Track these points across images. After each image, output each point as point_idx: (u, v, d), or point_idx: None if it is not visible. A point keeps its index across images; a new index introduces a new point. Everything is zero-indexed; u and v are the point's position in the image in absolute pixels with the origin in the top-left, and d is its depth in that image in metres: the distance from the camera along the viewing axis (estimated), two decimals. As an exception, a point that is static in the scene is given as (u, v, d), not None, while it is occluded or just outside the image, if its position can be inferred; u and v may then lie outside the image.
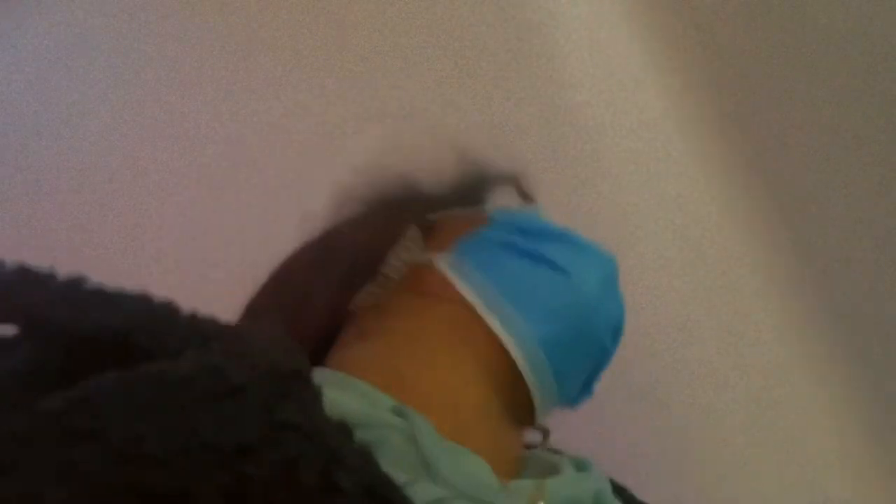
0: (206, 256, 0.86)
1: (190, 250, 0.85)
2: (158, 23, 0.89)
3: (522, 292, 0.45)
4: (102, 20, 0.86)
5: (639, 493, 0.53)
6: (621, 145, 0.97)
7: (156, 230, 0.88)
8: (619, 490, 0.49)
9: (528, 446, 0.50)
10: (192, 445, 0.26)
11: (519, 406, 0.45)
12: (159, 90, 0.89)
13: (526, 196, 0.55)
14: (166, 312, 0.32)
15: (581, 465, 0.45)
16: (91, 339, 0.30)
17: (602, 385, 0.52)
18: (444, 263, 0.46)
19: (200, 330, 0.31)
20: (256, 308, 0.49)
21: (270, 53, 0.93)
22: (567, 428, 0.50)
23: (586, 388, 0.50)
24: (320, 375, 0.41)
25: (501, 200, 0.54)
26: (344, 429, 0.30)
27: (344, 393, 0.39)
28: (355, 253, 0.48)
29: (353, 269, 0.47)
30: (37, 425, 0.25)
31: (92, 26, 0.86)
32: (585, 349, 0.47)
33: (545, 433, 0.49)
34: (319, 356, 0.47)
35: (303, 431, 0.28)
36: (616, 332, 0.49)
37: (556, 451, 0.49)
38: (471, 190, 0.53)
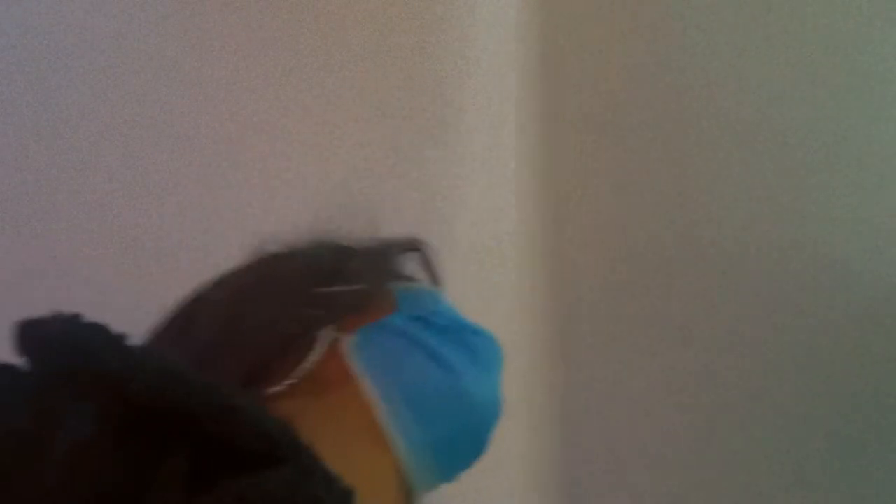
0: (206, 257, 0.86)
1: (190, 250, 0.85)
2: (159, 23, 0.89)
3: (417, 393, 0.46)
4: (103, 20, 0.86)
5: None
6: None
7: (156, 230, 0.88)
8: None
9: None
10: None
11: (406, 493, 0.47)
12: (159, 90, 0.89)
13: (430, 267, 0.56)
14: (231, 402, 0.34)
15: None
16: (154, 408, 0.31)
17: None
18: (350, 350, 0.47)
19: (264, 430, 0.33)
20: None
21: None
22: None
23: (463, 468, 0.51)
24: None
25: (407, 272, 0.55)
26: None
27: None
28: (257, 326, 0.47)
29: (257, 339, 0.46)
30: None
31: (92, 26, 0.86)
32: (472, 448, 0.50)
33: None
34: None
35: None
36: (497, 422, 0.51)
37: None
38: (377, 260, 0.54)
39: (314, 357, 0.45)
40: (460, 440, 0.48)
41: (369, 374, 0.46)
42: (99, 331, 0.34)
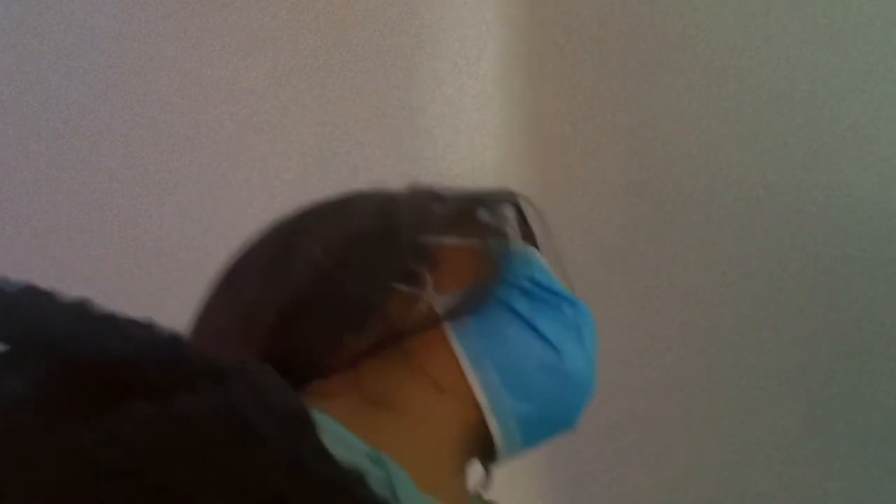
0: (206, 257, 0.86)
1: (190, 250, 0.85)
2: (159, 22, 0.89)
3: (513, 365, 0.44)
4: (103, 20, 0.86)
5: None
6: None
7: (156, 230, 0.88)
8: None
9: None
10: (225, 491, 0.26)
11: (480, 457, 0.47)
12: (159, 90, 0.89)
13: (525, 223, 0.53)
14: (175, 345, 0.33)
15: None
16: (97, 365, 0.30)
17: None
18: (446, 314, 0.44)
19: (209, 365, 0.31)
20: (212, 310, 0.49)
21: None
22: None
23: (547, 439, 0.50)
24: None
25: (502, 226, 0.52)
26: (361, 477, 0.31)
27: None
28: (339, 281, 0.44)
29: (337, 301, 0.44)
30: (68, 459, 0.26)
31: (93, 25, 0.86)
32: (559, 424, 0.48)
33: (489, 481, 0.51)
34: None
35: (325, 480, 0.28)
36: (590, 397, 0.49)
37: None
38: (465, 213, 0.50)
39: (413, 316, 0.43)
40: (550, 414, 0.46)
41: (464, 343, 0.44)
42: (29, 293, 0.33)
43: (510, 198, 0.52)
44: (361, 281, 0.43)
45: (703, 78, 1.08)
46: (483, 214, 0.50)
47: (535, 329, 0.45)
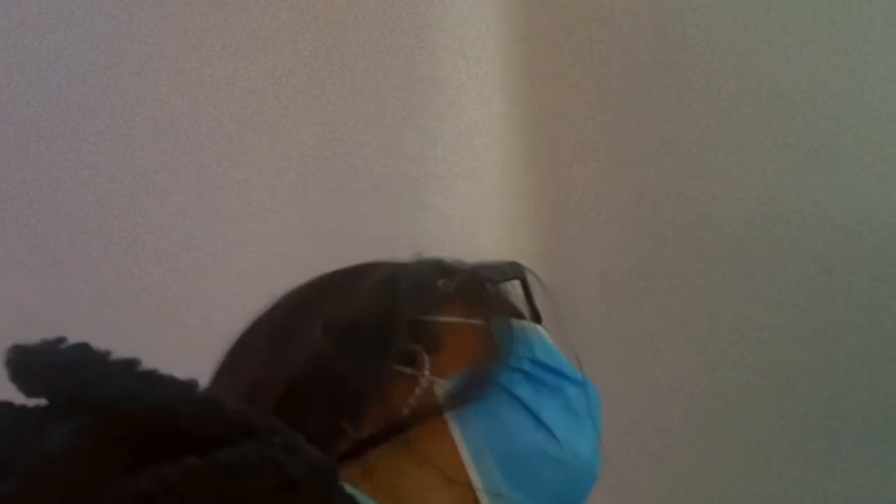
0: (206, 257, 0.86)
1: (190, 250, 0.85)
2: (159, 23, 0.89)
3: (512, 454, 0.43)
4: (102, 19, 0.86)
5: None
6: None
7: (156, 230, 0.88)
8: None
9: None
10: None
11: None
12: (159, 89, 0.89)
13: (530, 299, 0.51)
14: (211, 402, 0.34)
15: None
16: (136, 418, 0.32)
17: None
18: (445, 401, 0.43)
19: (243, 420, 0.33)
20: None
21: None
22: None
23: None
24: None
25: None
26: None
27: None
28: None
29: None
30: None
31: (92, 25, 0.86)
32: None
33: None
34: None
35: None
36: (594, 481, 0.48)
37: None
38: (470, 290, 0.49)
39: (413, 402, 0.43)
40: (552, 501, 0.45)
41: (462, 430, 0.43)
42: (83, 353, 0.35)
43: (517, 273, 0.51)
44: (358, 363, 0.43)
45: (704, 78, 1.08)
46: (488, 291, 0.49)
47: (536, 417, 0.44)
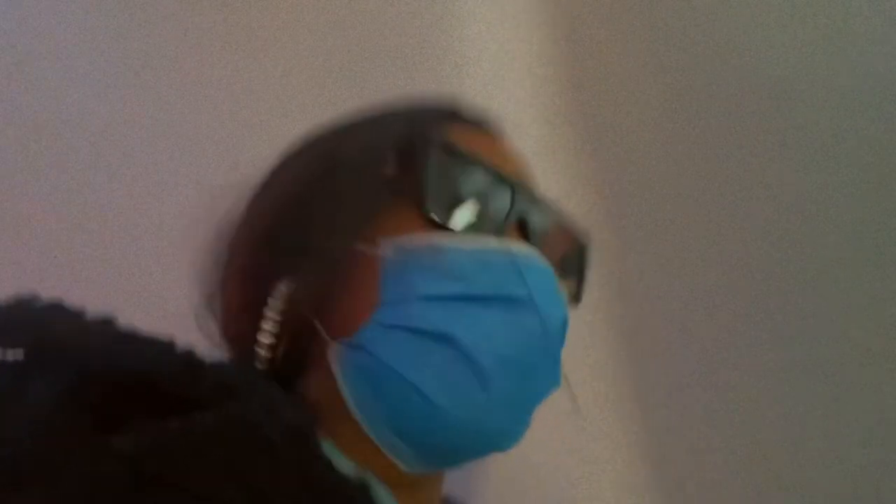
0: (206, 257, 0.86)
1: (190, 251, 0.85)
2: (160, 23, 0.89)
3: (397, 419, 0.40)
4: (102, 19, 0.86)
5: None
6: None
7: (155, 230, 0.88)
8: None
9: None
10: (256, 496, 0.28)
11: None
12: (159, 89, 0.89)
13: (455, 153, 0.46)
14: (190, 362, 0.35)
15: None
16: (114, 379, 0.32)
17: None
18: (334, 359, 0.41)
19: (221, 380, 0.34)
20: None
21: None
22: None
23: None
24: None
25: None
26: (364, 487, 0.34)
27: None
28: None
29: None
30: (108, 467, 0.28)
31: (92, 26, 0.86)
32: (467, 459, 0.44)
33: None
34: None
35: (334, 488, 0.31)
36: (510, 444, 0.44)
37: None
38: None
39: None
40: (449, 457, 0.43)
41: (349, 390, 0.40)
42: (56, 309, 0.36)
43: (453, 108, 0.50)
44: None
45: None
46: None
47: (417, 389, 0.39)
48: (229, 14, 0.93)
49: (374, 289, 0.40)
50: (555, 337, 0.43)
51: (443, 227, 0.42)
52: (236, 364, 0.39)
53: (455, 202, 0.42)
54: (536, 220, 0.45)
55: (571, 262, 0.51)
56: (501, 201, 0.44)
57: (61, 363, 0.32)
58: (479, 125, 0.50)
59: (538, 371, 0.42)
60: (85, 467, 0.28)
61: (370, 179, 0.43)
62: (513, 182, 0.45)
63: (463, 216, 0.43)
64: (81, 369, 0.32)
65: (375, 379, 0.39)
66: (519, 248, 0.43)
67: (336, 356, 0.41)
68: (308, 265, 0.42)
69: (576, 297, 0.51)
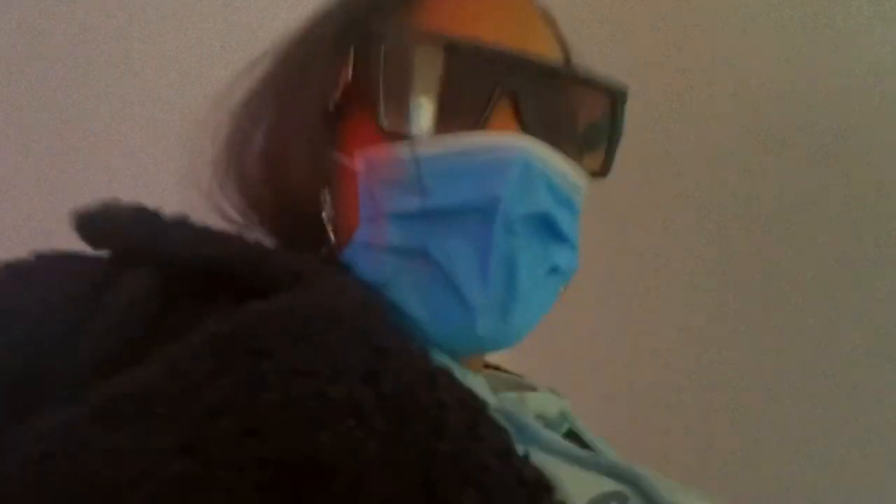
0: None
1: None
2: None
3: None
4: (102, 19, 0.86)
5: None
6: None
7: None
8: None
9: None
10: (343, 367, 0.29)
11: None
12: (160, 88, 0.89)
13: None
14: (261, 250, 0.36)
15: (550, 387, 0.49)
16: (195, 269, 0.34)
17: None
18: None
19: (291, 269, 0.34)
20: None
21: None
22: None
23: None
24: None
25: None
26: (425, 352, 0.33)
27: None
28: None
29: None
30: (213, 344, 0.29)
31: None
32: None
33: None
34: None
35: (402, 356, 0.31)
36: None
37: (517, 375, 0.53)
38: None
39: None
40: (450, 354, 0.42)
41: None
42: (140, 212, 0.38)
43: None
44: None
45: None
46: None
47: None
48: (230, 14, 0.92)
49: (355, 204, 0.40)
50: (535, 235, 0.39)
51: (403, 136, 0.37)
52: (296, 253, 0.38)
53: (414, 103, 0.38)
54: (532, 93, 0.39)
55: (599, 128, 0.43)
56: (482, 80, 0.38)
57: (148, 257, 0.34)
58: None
59: (518, 274, 0.38)
60: (189, 348, 0.29)
61: (331, 87, 0.40)
62: (495, 53, 0.38)
63: (424, 118, 0.38)
64: (169, 260, 0.34)
65: (366, 292, 0.38)
66: (491, 141, 0.37)
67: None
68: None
69: (602, 171, 0.43)
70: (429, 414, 0.28)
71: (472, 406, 0.31)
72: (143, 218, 0.38)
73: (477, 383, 0.40)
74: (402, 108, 0.38)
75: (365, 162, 0.39)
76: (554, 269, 0.41)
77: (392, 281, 0.38)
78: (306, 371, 0.28)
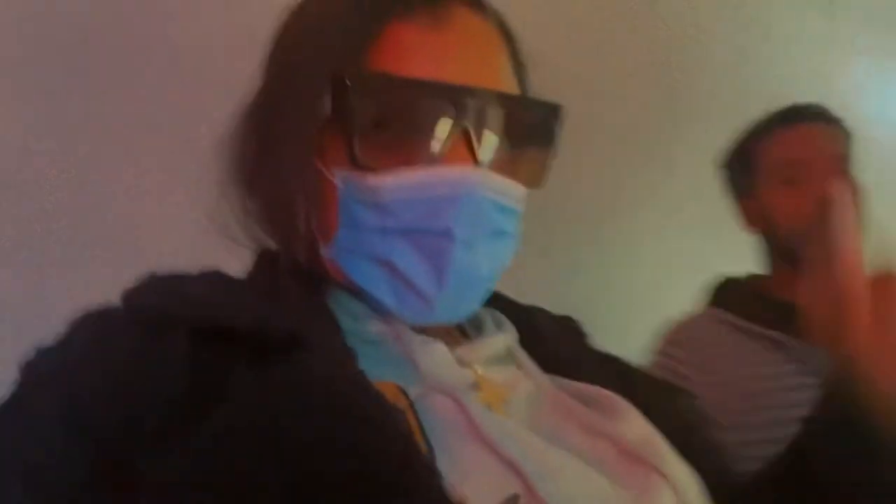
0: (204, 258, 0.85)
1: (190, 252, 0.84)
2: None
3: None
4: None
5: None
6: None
7: (156, 231, 0.87)
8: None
9: None
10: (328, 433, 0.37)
11: None
12: (161, 88, 0.89)
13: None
14: (265, 316, 0.41)
15: (498, 322, 0.53)
16: (213, 331, 0.39)
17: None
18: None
19: (294, 332, 0.40)
20: None
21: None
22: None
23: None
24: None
25: None
26: (402, 412, 0.41)
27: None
28: None
29: None
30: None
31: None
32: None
33: None
34: None
35: (385, 421, 0.39)
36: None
37: None
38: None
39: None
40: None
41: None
42: (169, 283, 0.44)
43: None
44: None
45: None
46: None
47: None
48: (231, 14, 0.92)
49: (335, 211, 0.46)
50: (482, 255, 0.47)
51: (371, 168, 0.44)
52: (304, 312, 0.45)
53: (380, 141, 0.45)
54: (483, 126, 0.45)
55: (539, 145, 0.51)
56: (437, 117, 0.45)
57: (175, 324, 0.39)
58: (422, 13, 0.46)
59: (472, 278, 0.47)
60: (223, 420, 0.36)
61: (311, 120, 0.46)
62: (448, 91, 0.45)
63: (389, 153, 0.45)
64: (191, 330, 0.39)
65: (347, 281, 0.47)
66: (444, 175, 0.45)
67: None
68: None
69: (539, 183, 0.51)
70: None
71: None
72: (174, 288, 0.44)
73: (441, 355, 0.47)
74: (370, 144, 0.44)
75: (342, 181, 0.46)
76: (502, 260, 0.49)
77: (365, 278, 0.46)
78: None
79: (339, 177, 0.46)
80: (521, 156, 0.49)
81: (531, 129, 0.50)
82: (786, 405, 0.85)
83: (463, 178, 0.44)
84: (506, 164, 0.47)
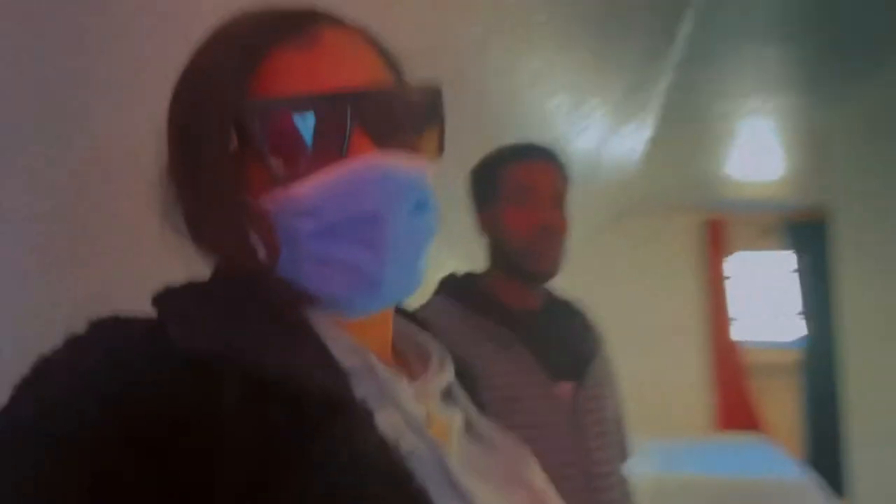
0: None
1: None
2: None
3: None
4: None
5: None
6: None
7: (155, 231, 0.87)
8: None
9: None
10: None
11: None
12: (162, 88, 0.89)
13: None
14: (303, 386, 0.46)
15: (441, 354, 0.59)
16: (276, 381, 0.45)
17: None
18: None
19: (326, 399, 0.47)
20: None
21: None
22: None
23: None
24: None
25: None
26: (395, 446, 0.49)
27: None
28: None
29: None
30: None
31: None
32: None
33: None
34: None
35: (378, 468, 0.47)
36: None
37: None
38: None
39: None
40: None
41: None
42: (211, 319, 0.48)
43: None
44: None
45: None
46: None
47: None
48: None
49: (275, 233, 0.51)
50: (412, 228, 0.52)
51: (291, 178, 0.50)
52: (334, 383, 0.48)
53: (291, 153, 0.50)
54: (375, 118, 0.51)
55: (429, 121, 0.56)
56: (335, 121, 0.50)
57: (235, 366, 0.44)
58: (294, 38, 0.52)
59: (409, 252, 0.52)
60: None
61: (224, 158, 0.51)
62: (336, 97, 0.50)
63: (303, 161, 0.50)
64: (242, 379, 0.44)
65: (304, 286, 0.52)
66: (352, 166, 0.50)
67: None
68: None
69: (439, 151, 0.57)
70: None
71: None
72: (224, 328, 0.48)
73: (408, 392, 0.53)
74: (284, 161, 0.50)
75: (272, 203, 0.51)
76: (429, 231, 0.55)
77: (316, 281, 0.51)
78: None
79: (269, 201, 0.50)
80: (415, 135, 0.55)
81: (419, 110, 0.56)
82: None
83: (370, 163, 0.50)
84: (405, 145, 0.53)
